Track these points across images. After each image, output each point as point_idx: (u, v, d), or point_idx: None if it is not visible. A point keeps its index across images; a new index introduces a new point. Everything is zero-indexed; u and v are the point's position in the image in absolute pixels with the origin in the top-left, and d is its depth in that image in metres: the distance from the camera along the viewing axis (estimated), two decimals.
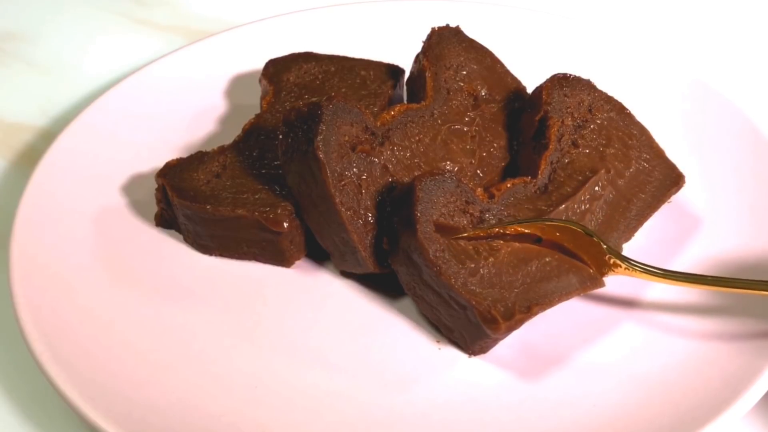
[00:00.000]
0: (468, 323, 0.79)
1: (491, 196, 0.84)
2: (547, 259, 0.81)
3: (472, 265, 0.79)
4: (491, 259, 0.80)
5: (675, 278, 0.81)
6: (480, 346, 0.81)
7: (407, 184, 0.82)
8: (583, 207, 0.86)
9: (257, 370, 0.81)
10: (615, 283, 0.85)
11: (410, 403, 0.79)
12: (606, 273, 0.82)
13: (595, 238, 0.81)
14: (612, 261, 0.81)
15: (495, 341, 0.80)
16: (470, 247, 0.80)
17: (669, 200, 0.91)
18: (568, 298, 0.79)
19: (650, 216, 0.90)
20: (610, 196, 0.88)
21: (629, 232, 0.88)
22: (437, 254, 0.78)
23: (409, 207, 0.79)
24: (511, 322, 0.76)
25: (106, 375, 0.79)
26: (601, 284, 0.81)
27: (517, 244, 0.82)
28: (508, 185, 0.85)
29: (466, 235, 0.81)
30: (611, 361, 0.81)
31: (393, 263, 0.82)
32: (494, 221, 0.83)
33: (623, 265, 0.81)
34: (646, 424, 0.75)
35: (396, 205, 0.82)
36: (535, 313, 0.77)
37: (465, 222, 0.82)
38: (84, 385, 0.76)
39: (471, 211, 0.82)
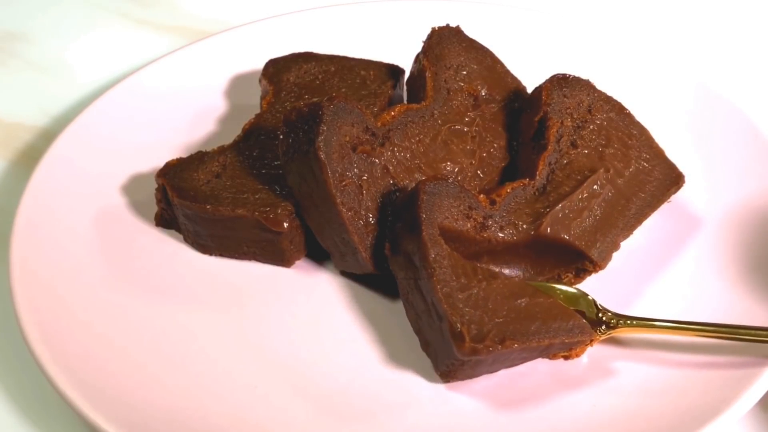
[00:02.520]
0: (441, 338, 0.76)
1: (492, 202, 0.84)
2: (540, 300, 0.79)
3: (465, 282, 0.78)
4: (485, 283, 0.78)
5: (677, 329, 0.80)
6: (447, 367, 0.77)
7: (411, 189, 0.81)
8: (580, 205, 0.86)
9: (257, 370, 0.81)
10: (613, 284, 0.85)
11: (410, 404, 0.79)
12: (601, 331, 0.80)
13: (580, 298, 0.81)
14: (604, 317, 0.80)
15: (461, 367, 0.77)
16: (469, 266, 0.79)
17: (669, 200, 0.91)
18: (548, 343, 0.77)
19: (650, 215, 0.90)
20: (609, 194, 0.88)
21: (628, 230, 0.88)
22: (437, 258, 0.78)
23: (414, 209, 0.79)
24: (478, 346, 0.73)
25: (106, 375, 0.79)
26: (589, 334, 0.79)
27: (516, 279, 0.82)
28: (508, 190, 0.85)
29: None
30: (610, 362, 0.81)
31: (392, 267, 0.82)
32: (497, 227, 0.83)
33: (619, 321, 0.80)
34: (645, 424, 0.75)
35: (399, 210, 0.82)
36: (507, 347, 0.74)
37: (468, 227, 0.82)
38: (84, 385, 0.76)
39: (474, 216, 0.82)
